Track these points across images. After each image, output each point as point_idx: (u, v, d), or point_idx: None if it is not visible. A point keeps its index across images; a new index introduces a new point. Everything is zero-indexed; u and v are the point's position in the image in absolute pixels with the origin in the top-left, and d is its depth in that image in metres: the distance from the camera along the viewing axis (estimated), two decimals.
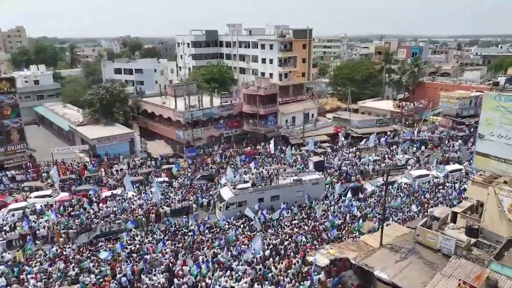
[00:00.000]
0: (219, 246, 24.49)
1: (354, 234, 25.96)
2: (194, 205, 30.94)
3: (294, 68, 64.89)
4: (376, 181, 35.56)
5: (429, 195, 31.94)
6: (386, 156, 42.96)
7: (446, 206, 28.88)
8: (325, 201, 30.64)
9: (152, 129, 51.73)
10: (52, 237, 26.85)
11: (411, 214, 28.74)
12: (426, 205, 29.80)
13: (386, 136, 48.91)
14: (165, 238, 25.39)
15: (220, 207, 29.43)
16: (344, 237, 25.63)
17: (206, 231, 26.51)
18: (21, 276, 21.60)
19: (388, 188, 33.34)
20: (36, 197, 32.57)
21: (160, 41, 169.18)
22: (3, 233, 26.44)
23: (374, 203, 30.71)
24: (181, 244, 24.80)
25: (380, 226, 23.17)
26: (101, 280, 21.24)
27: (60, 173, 38.56)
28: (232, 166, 40.26)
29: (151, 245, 24.70)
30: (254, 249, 22.64)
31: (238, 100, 49.90)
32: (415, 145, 46.10)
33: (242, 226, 27.09)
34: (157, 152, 43.18)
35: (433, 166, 38.02)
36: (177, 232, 26.25)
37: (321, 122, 53.31)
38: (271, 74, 65.15)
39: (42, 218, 28.46)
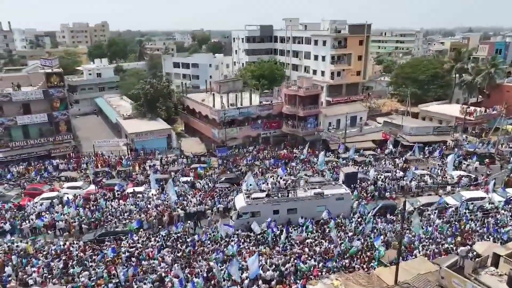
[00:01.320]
0: (217, 260, 23.18)
1: (371, 264, 22.77)
2: (209, 211, 29.90)
3: (348, 66, 60.58)
4: (416, 200, 31.18)
5: (474, 224, 26.94)
6: (437, 170, 37.67)
7: (494, 242, 24.10)
8: (349, 220, 27.43)
9: (193, 125, 52.03)
10: (68, 230, 27.90)
11: (448, 246, 24.41)
12: (466, 237, 25.12)
13: (441, 147, 43.09)
14: (164, 244, 24.73)
15: (231, 216, 28.02)
16: (358, 265, 22.55)
17: (208, 241, 25.30)
18: (26, 268, 22.59)
19: (425, 210, 29.07)
20: (68, 187, 34.32)
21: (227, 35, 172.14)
22: (27, 221, 28.06)
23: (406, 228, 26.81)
24: (180, 253, 24.00)
25: (398, 259, 19.75)
26: (93, 283, 21.28)
27: (98, 165, 40.50)
28: (261, 169, 38.58)
29: (152, 250, 24.30)
30: (249, 270, 20.85)
31: (279, 100, 47.78)
32: (471, 160, 39.89)
33: (248, 239, 25.40)
34: (191, 149, 43.09)
35: (492, 188, 32.24)
36: (178, 239, 25.43)
37: (370, 127, 48.83)
38: (322, 72, 61.73)
39: (64, 209, 29.82)
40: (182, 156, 42.11)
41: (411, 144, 44.01)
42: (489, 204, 29.90)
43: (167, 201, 30.87)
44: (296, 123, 45.66)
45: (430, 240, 24.55)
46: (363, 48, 60.52)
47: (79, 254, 23.89)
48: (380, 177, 34.91)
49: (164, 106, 49.63)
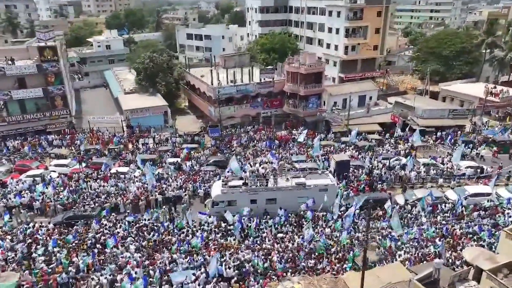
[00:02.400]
0: (184, 251, 22.12)
1: (345, 266, 20.90)
2: (186, 196, 28.71)
3: (363, 40, 56.06)
4: (411, 193, 28.48)
5: (466, 225, 24.15)
6: (445, 159, 34.36)
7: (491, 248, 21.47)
8: (330, 214, 25.37)
9: (194, 102, 50.46)
10: (43, 210, 27.67)
11: (436, 251, 21.97)
12: (457, 240, 22.53)
13: (453, 133, 39.33)
14: (130, 231, 23.86)
15: (206, 204, 26.72)
16: (329, 267, 20.76)
17: (176, 230, 24.20)
18: None
19: (415, 204, 26.48)
20: (55, 165, 34.15)
21: None
22: (5, 199, 28.02)
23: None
24: (145, 242, 23.10)
25: (363, 265, 17.78)
26: (50, 270, 20.83)
27: (93, 142, 40.06)
28: (253, 152, 36.74)
29: (118, 237, 23.52)
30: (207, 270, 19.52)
31: (283, 77, 44.98)
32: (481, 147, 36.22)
33: (215, 230, 24.08)
34: (185, 128, 41.72)
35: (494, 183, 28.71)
36: (146, 226, 24.46)
37: (379, 108, 45.26)
38: (336, 46, 57.58)
39: (46, 188, 29.55)
40: (176, 135, 40.88)
41: (421, 128, 40.48)
42: (488, 202, 26.71)
43: (147, 184, 29.92)
44: (297, 102, 42.95)
45: (415, 243, 22.19)
46: (381, 20, 55.53)
47: (45, 238, 23.59)
48: (377, 166, 32.23)
49: (164, 82, 48.12)
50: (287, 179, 26.87)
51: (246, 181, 26.10)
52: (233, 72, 43.70)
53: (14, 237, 23.46)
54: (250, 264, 20.45)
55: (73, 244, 22.90)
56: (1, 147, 38.68)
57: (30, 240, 23.14)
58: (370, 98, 46.11)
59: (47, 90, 40.82)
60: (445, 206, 26.59)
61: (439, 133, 40.15)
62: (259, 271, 20.09)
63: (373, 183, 29.74)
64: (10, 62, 39.19)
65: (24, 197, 28.21)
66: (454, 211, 25.57)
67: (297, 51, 62.70)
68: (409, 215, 25.36)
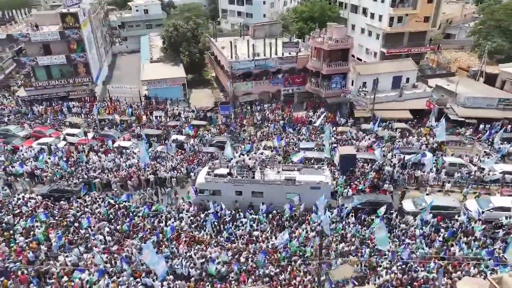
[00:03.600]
0: (155, 241, 21.39)
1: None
2: (174, 179, 27.80)
3: (412, 10, 49.18)
4: (421, 198, 24.81)
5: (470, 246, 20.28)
6: (477, 159, 29.52)
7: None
8: (315, 216, 22.91)
9: (218, 75, 48.63)
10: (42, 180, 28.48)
11: (426, 275, 18.88)
12: (455, 264, 19.10)
13: (497, 128, 33.53)
14: (107, 213, 23.61)
15: (188, 191, 25.59)
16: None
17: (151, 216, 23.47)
18: None
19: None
20: (66, 134, 34.95)
21: None
22: (10, 167, 29.24)
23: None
24: (119, 226, 22.74)
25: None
26: (25, 245, 21.35)
27: (110, 111, 40.36)
28: (262, 135, 34.57)
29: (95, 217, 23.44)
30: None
31: (308, 52, 41.23)
32: None
33: (190, 219, 22.97)
34: (200, 102, 40.33)
35: None
36: (126, 208, 24.03)
37: (417, 91, 39.90)
38: (380, 17, 51.35)
39: (49, 158, 30.35)
40: (189, 109, 39.74)
41: (460, 119, 35.19)
42: (507, 218, 22.31)
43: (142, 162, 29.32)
44: (319, 81, 39.26)
45: (402, 264, 19.20)
46: None
47: (31, 211, 24.20)
48: (392, 161, 28.54)
49: (187, 51, 46.64)
50: (278, 172, 24.66)
51: (231, 171, 24.32)
52: (261, 43, 40.69)
53: (4, 207, 24.36)
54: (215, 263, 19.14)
55: (55, 220, 23.30)
56: (28, 111, 40.54)
57: (17, 211, 23.98)
58: (407, 79, 40.79)
59: (70, 57, 41.44)
60: (455, 219, 22.73)
61: (481, 126, 34.58)
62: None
63: (379, 182, 26.36)
64: (34, 28, 39.99)
65: (27, 165, 29.18)
66: (462, 227, 21.72)
67: (338, 20, 57.42)
68: (403, 226, 22.02)
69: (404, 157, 28.60)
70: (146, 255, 17.58)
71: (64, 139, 34.27)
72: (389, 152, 30.13)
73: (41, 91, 41.86)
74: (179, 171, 28.55)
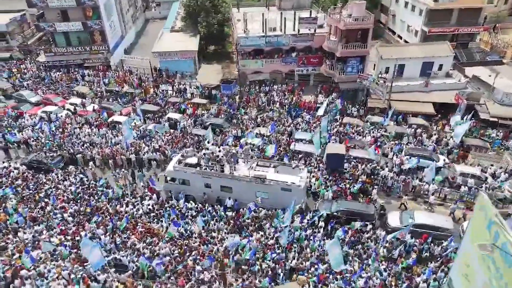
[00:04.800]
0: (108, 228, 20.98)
1: None
2: (154, 161, 26.99)
3: None
4: (410, 213, 21.59)
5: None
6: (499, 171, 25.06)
7: None
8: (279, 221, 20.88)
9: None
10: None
11: None
12: None
13: None
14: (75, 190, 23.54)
15: (158, 178, 24.65)
16: None
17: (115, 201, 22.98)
18: None
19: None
20: (70, 103, 35.43)
21: None
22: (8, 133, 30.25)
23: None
24: (83, 208, 22.60)
25: None
26: None
27: (118, 82, 40.15)
28: (261, 119, 32.38)
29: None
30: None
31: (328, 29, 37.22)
32: None
33: (149, 208, 22.16)
34: (207, 79, 38.60)
35: None
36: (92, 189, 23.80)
37: (447, 82, 34.62)
38: None
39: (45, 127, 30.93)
40: (195, 85, 38.25)
41: (492, 119, 30.12)
42: None
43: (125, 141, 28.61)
44: (334, 63, 35.49)
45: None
46: None
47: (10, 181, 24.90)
48: (393, 164, 25.22)
49: (205, 22, 44.51)
50: (251, 167, 22.76)
51: (200, 162, 22.87)
52: (289, 15, 37.45)
53: None
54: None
55: (30, 192, 23.78)
56: (47, 76, 41.72)
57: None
58: (440, 67, 35.50)
59: (86, 24, 41.42)
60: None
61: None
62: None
63: (367, 188, 23.39)
64: None
65: (22, 133, 29.98)
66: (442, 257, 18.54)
67: None
68: (371, 244, 19.31)
69: (404, 160, 25.05)
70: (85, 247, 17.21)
71: (68, 109, 34.78)
72: (391, 152, 26.71)
73: (60, 57, 42.64)
74: (161, 153, 27.66)
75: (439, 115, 31.86)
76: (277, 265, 17.85)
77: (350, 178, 24.20)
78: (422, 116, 31.60)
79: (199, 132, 30.02)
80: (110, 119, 32.06)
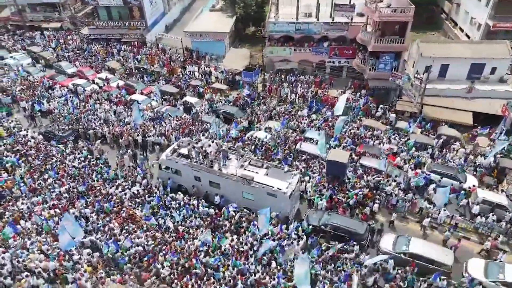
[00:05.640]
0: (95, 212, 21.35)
1: None
2: (157, 146, 26.94)
3: None
4: (407, 239, 19.21)
5: None
6: None
7: None
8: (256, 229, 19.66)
9: None
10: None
11: None
12: None
13: None
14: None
15: (153, 164, 24.56)
16: None
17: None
18: None
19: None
20: (99, 78, 36.58)
21: None
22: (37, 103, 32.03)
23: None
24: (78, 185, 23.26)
25: None
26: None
27: (149, 60, 40.51)
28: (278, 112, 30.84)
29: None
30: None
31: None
32: None
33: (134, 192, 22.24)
34: (232, 63, 37.45)
35: None
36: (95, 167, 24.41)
37: (498, 89, 29.86)
38: None
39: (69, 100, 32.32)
40: (221, 69, 37.30)
41: None
42: None
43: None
44: (366, 58, 32.32)
45: None
46: None
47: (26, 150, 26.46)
48: (396, 179, 22.60)
49: (242, 2, 42.98)
50: (242, 165, 21.73)
51: (189, 155, 22.30)
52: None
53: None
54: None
55: (38, 163, 25.13)
56: (89, 48, 43.47)
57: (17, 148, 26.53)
58: (493, 70, 30.76)
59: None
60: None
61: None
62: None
63: (365, 203, 21.23)
64: None
65: (49, 104, 31.60)
66: None
67: None
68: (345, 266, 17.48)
69: (408, 178, 22.29)
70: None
71: (97, 83, 35.91)
72: (406, 165, 23.96)
73: (101, 31, 44.13)
74: (166, 138, 27.56)
75: (479, 127, 27.74)
76: (239, 275, 16.96)
77: (351, 189, 22.12)
78: (457, 126, 27.85)
79: (209, 119, 29.36)
80: (129, 98, 32.59)
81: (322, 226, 20.09)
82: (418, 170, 23.35)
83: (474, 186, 22.29)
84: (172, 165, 23.02)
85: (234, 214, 20.50)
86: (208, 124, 28.76)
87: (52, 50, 43.04)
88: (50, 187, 23.09)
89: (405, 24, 29.57)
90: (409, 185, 22.27)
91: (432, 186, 21.91)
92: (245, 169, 21.53)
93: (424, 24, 46.12)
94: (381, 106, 30.38)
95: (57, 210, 21.32)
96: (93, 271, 18.06)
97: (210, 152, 21.28)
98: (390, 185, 22.20)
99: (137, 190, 22.49)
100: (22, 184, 23.22)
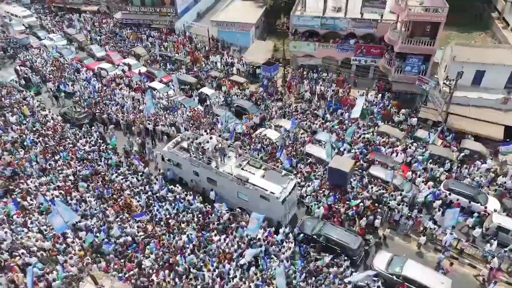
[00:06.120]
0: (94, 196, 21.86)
1: None
2: (166, 136, 27.04)
3: None
4: (403, 261, 17.94)
5: None
6: None
7: None
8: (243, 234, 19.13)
9: None
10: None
11: None
12: None
13: None
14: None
15: (156, 155, 24.71)
16: None
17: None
18: None
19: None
20: (123, 63, 37.22)
21: None
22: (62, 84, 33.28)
23: None
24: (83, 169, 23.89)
25: None
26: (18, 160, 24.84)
27: (174, 47, 40.63)
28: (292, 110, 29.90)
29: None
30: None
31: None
32: None
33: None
34: (255, 56, 36.60)
35: None
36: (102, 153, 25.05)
37: None
38: None
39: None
40: (243, 62, 36.63)
41: None
42: None
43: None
44: (393, 59, 30.24)
45: None
46: None
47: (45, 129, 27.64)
48: (402, 193, 21.08)
49: None
50: (240, 165, 21.26)
51: (188, 148, 22.18)
52: None
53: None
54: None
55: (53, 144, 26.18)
56: (120, 32, 44.46)
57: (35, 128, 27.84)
58: None
59: None
60: None
61: None
62: None
63: (365, 215, 20.03)
64: None
65: (72, 87, 32.75)
66: None
67: None
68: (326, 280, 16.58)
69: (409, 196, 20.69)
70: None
71: (122, 69, 36.57)
72: (418, 178, 22.34)
73: (133, 16, 44.84)
74: (176, 129, 27.61)
75: (501, 145, 25.03)
76: (218, 278, 16.70)
77: (353, 199, 20.97)
78: (484, 140, 25.50)
79: (221, 112, 29.01)
80: (147, 85, 32.97)
81: (315, 236, 19.27)
82: (430, 183, 21.65)
83: (485, 208, 20.35)
84: (173, 158, 23.03)
85: (224, 213, 20.15)
86: (218, 117, 28.50)
87: (87, 32, 44.47)
88: (58, 169, 23.99)
89: (437, 24, 27.20)
90: (413, 200, 20.71)
91: (438, 202, 20.21)
92: (242, 168, 21.06)
93: (471, 22, 42.61)
94: (403, 111, 28.45)
95: (62, 192, 22.13)
96: (83, 256, 18.59)
97: (207, 148, 20.95)
98: (395, 199, 20.76)
99: (137, 179, 22.77)
100: (34, 163, 24.31)
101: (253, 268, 17.17)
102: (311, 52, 34.55)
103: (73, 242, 19.32)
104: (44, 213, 20.72)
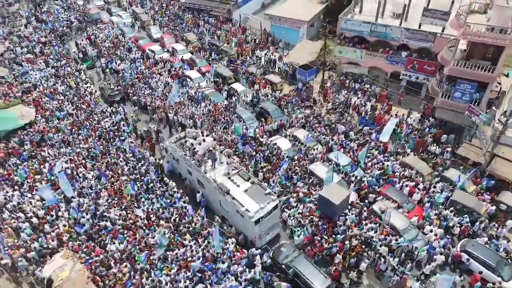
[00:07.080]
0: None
1: None
2: (180, 128, 27.14)
3: None
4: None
5: None
6: None
7: None
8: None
9: None
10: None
11: None
12: None
13: None
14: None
15: (162, 147, 24.95)
16: None
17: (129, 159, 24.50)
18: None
19: None
20: (172, 47, 38.02)
21: None
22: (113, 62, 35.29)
23: None
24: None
25: None
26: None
27: (227, 37, 40.35)
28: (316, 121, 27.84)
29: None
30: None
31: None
32: None
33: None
34: (298, 56, 34.47)
35: None
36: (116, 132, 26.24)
37: None
38: None
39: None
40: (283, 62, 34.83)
41: None
42: None
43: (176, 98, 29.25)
44: (443, 81, 26.04)
45: None
46: None
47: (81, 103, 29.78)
48: (398, 239, 18.29)
49: None
50: (228, 173, 20.48)
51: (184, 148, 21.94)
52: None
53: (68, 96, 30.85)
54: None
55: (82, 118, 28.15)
56: (181, 16, 45.57)
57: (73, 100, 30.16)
58: None
59: None
60: None
61: None
62: None
63: (349, 257, 17.91)
64: None
65: (119, 65, 34.60)
66: None
67: None
68: None
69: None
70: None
71: (172, 53, 37.47)
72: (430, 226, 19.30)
73: (195, 1, 45.48)
74: (193, 122, 27.59)
75: None
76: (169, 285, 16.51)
77: (340, 234, 18.92)
78: None
79: (240, 112, 28.17)
80: (184, 73, 33.37)
81: (283, 266, 17.86)
82: (440, 231, 18.56)
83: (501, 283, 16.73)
84: (173, 153, 23.09)
85: (198, 219, 19.72)
86: (237, 117, 27.79)
87: (154, 13, 46.37)
88: (77, 143, 25.71)
89: (501, 48, 22.56)
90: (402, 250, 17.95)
91: (441, 258, 17.25)
92: (229, 177, 20.25)
93: None
94: (444, 136, 24.68)
95: (73, 166, 23.71)
96: (62, 232, 19.78)
97: (197, 151, 20.49)
98: (387, 245, 18.22)
99: (134, 166, 23.36)
100: (60, 134, 26.38)
101: (201, 285, 16.55)
102: (358, 60, 31.55)
103: (62, 216, 20.64)
104: (49, 182, 22.35)
